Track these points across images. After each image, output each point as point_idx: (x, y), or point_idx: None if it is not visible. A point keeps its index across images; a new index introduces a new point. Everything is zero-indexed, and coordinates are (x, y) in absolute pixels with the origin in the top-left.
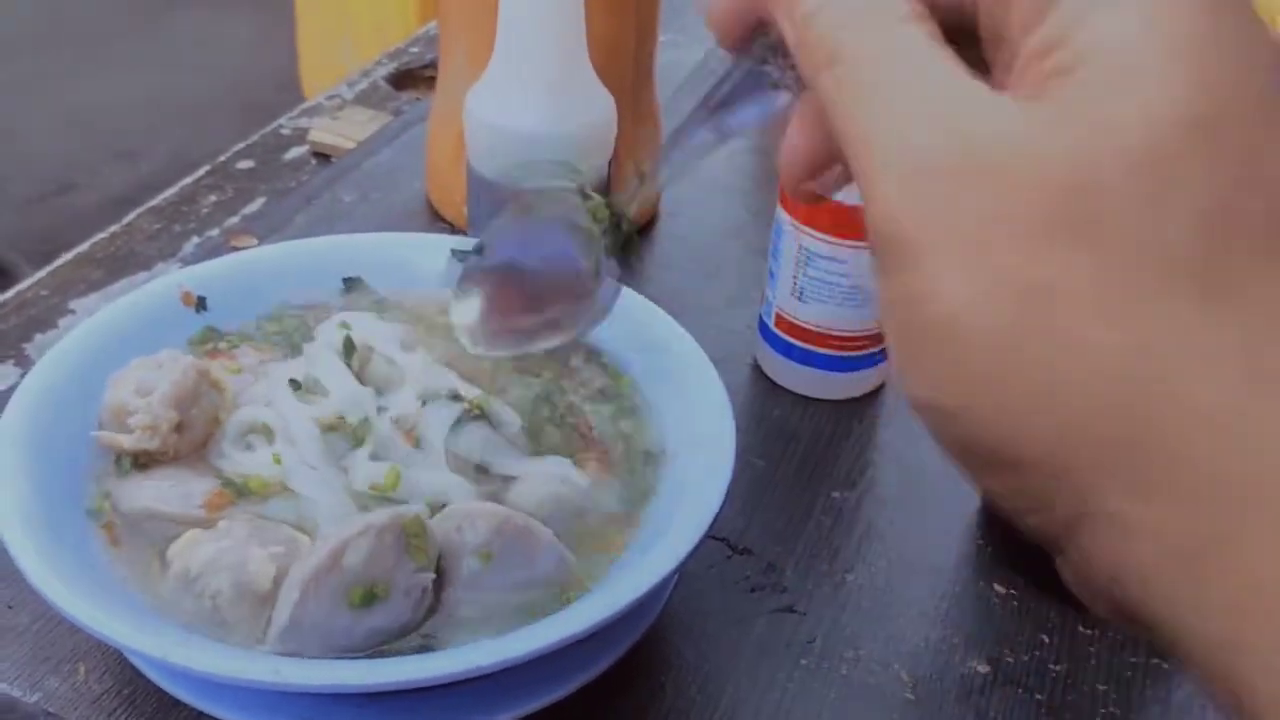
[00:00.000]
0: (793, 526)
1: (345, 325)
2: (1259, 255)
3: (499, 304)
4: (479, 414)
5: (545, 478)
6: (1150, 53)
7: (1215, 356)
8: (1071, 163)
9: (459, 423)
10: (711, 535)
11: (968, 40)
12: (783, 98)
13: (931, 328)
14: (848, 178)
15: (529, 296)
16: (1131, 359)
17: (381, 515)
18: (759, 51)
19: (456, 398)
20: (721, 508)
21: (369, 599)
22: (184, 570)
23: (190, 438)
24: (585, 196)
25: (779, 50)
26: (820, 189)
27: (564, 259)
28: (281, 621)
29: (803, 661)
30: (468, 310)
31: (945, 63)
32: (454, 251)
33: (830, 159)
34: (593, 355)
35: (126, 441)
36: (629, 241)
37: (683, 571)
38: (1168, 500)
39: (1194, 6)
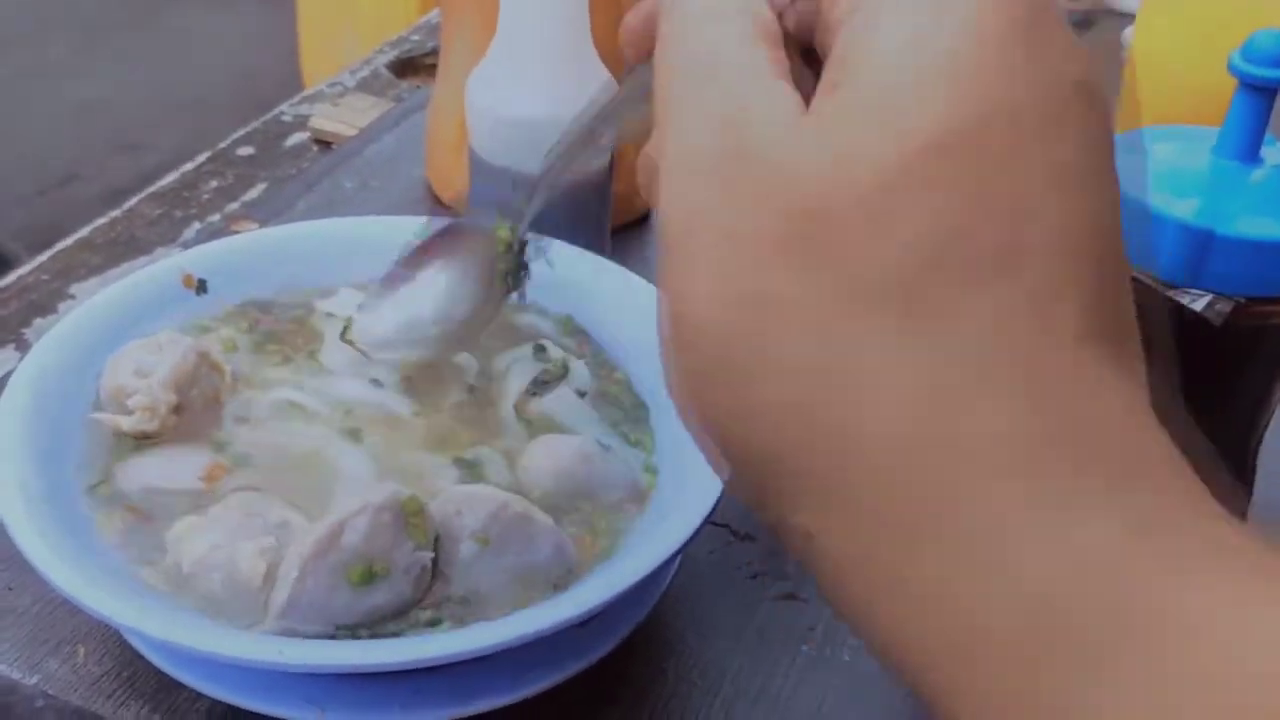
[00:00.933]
0: None
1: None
2: (971, 284)
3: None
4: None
5: (565, 454)
6: (907, 75)
7: (898, 380)
8: (811, 185)
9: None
10: (713, 521)
11: None
12: None
13: (677, 321)
14: None
15: (436, 309)
16: (820, 375)
17: (379, 493)
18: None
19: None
20: (723, 493)
21: (368, 577)
22: (175, 566)
23: (189, 419)
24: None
25: None
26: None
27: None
28: (281, 600)
29: (804, 648)
30: (376, 320)
31: (753, 59)
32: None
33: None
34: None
35: (125, 423)
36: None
37: (684, 557)
38: (842, 527)
39: (966, 26)
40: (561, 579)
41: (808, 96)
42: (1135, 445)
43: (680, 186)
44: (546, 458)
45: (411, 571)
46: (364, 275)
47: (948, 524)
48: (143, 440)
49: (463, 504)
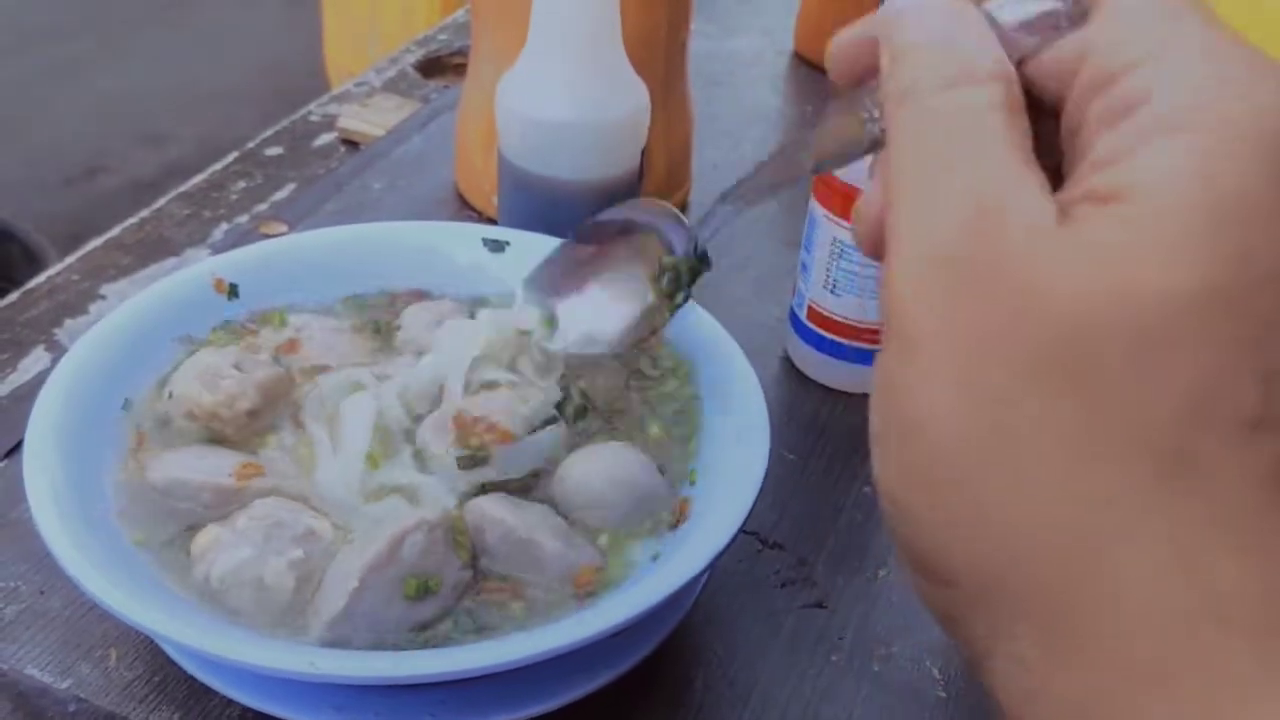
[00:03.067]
0: (824, 522)
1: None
2: (1235, 431)
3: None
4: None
5: (603, 466)
6: (1192, 209)
7: (1151, 538)
8: (1082, 308)
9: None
10: (743, 530)
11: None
12: (873, 150)
13: (908, 422)
14: None
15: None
16: (1076, 516)
17: (432, 510)
18: (866, 98)
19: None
20: (754, 503)
21: (423, 591)
22: (204, 580)
23: (250, 431)
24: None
25: (877, 103)
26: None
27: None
28: (335, 609)
29: (833, 658)
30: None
31: (1006, 141)
32: (485, 241)
33: None
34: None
35: (208, 399)
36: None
37: (714, 566)
38: (1064, 662)
39: (1253, 169)
40: (574, 592)
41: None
42: None
43: (923, 285)
44: (590, 470)
45: (458, 588)
46: (393, 281)
47: (1184, 681)
48: (194, 431)
49: (483, 522)
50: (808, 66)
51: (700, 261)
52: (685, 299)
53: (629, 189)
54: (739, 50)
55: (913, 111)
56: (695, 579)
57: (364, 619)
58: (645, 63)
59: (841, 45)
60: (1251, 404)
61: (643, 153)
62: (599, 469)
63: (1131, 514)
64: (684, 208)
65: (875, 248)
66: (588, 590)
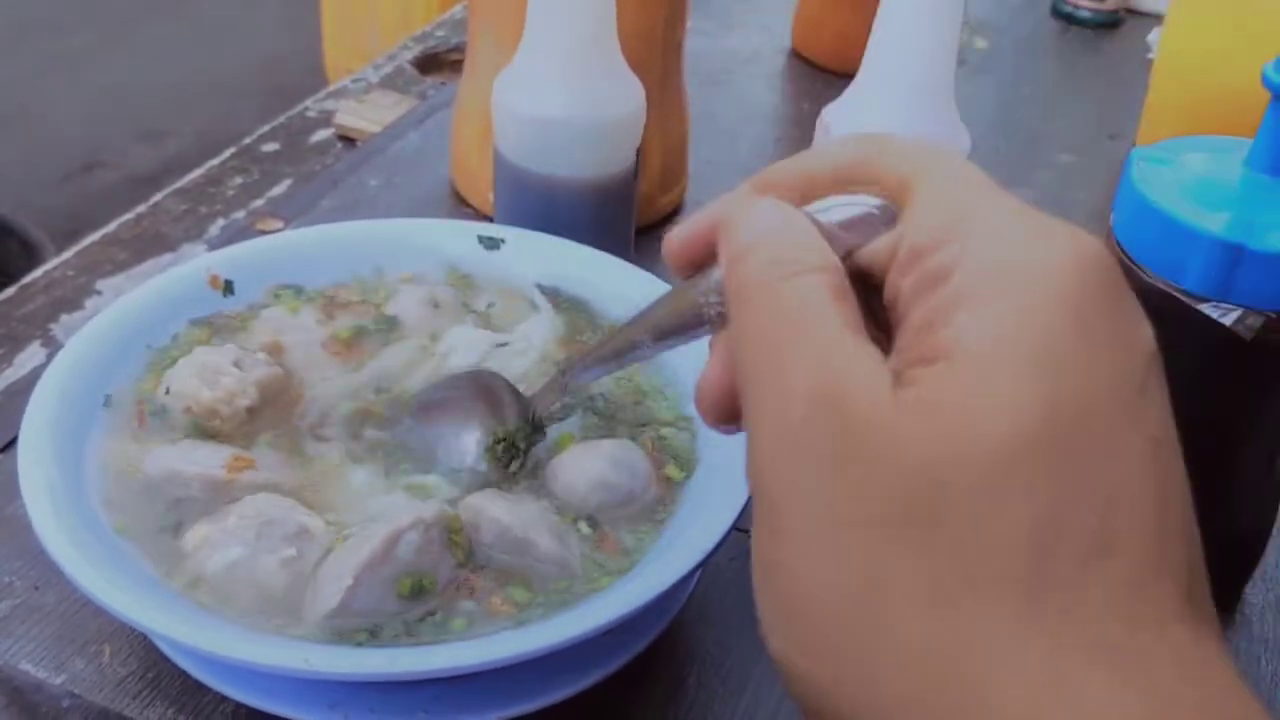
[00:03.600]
0: None
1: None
2: (1080, 566)
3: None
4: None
5: (598, 462)
6: (1008, 361)
7: (1021, 664)
8: (925, 464)
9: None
10: (736, 526)
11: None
12: (709, 331)
13: (786, 595)
14: None
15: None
16: (940, 660)
17: (428, 509)
18: (701, 284)
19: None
20: (748, 500)
21: (418, 590)
22: (197, 579)
23: (247, 430)
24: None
25: (716, 288)
26: (733, 422)
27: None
28: (329, 605)
29: None
30: None
31: (840, 323)
32: (480, 238)
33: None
34: None
35: (207, 396)
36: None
37: (707, 564)
38: None
39: (1060, 317)
40: (566, 591)
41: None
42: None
43: (779, 465)
44: (579, 467)
45: (450, 587)
46: (386, 277)
47: None
48: (192, 427)
49: (479, 519)
50: (805, 64)
51: (535, 431)
52: (520, 467)
53: (624, 186)
54: (736, 47)
55: (753, 304)
56: (688, 576)
57: (358, 616)
58: (641, 60)
59: (676, 242)
60: (1094, 531)
61: (638, 150)
62: (592, 464)
63: (994, 647)
64: (679, 206)
65: (717, 418)
66: (586, 586)
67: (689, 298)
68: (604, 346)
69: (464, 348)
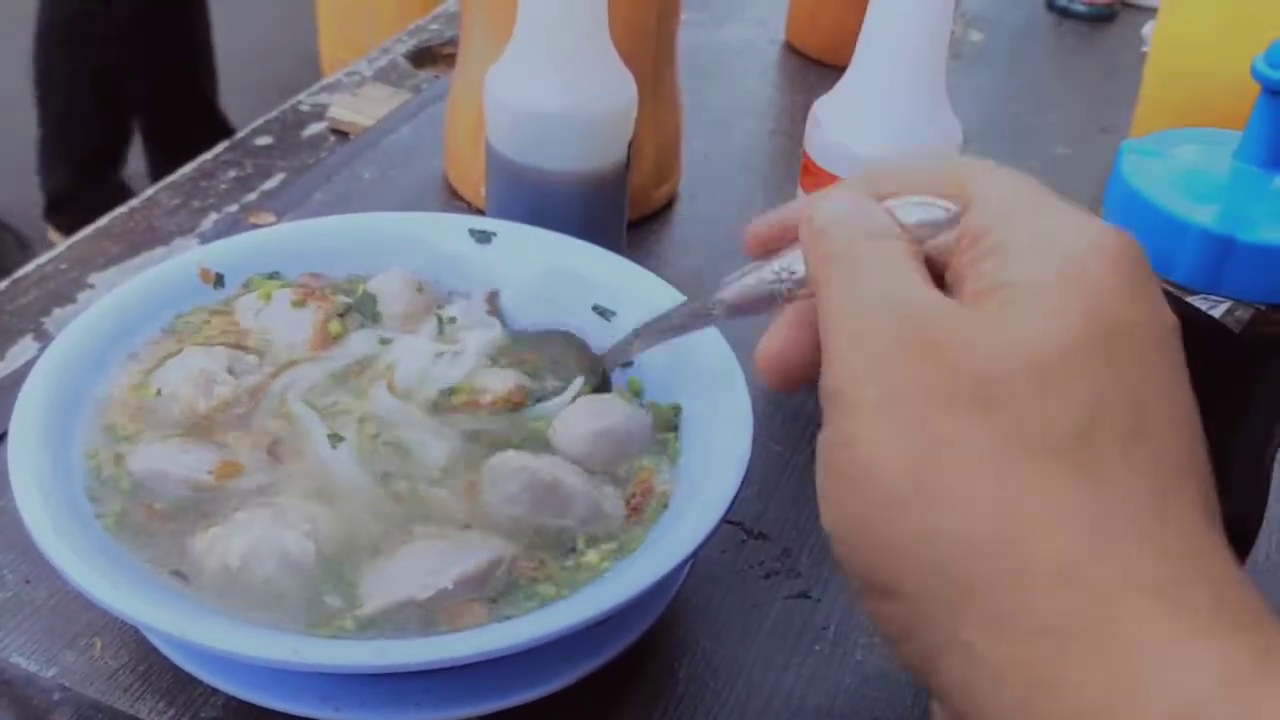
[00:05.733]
0: (808, 512)
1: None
2: (1120, 440)
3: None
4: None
5: (590, 413)
6: (1056, 288)
7: (1069, 517)
8: (986, 355)
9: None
10: (727, 519)
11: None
12: (775, 307)
13: (851, 467)
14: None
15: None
16: (1000, 512)
17: (510, 548)
18: (774, 264)
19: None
20: (738, 492)
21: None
22: (224, 567)
23: (237, 432)
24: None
25: (786, 269)
26: (793, 385)
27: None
28: (398, 597)
29: (816, 648)
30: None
31: (911, 269)
32: (472, 232)
33: (802, 358)
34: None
35: (202, 404)
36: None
37: (697, 556)
38: (1008, 636)
39: (1100, 267)
40: (598, 537)
41: None
42: (1249, 595)
43: (853, 358)
44: (586, 418)
45: None
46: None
47: (1106, 633)
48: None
49: (497, 476)
50: (799, 57)
51: (603, 385)
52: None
53: (617, 179)
54: (730, 40)
55: (836, 260)
56: (678, 568)
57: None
58: (634, 53)
59: (759, 225)
60: (1129, 423)
61: (631, 143)
62: (592, 415)
63: (1045, 502)
64: (672, 201)
65: (780, 382)
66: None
67: (761, 276)
68: (675, 314)
69: (409, 357)
